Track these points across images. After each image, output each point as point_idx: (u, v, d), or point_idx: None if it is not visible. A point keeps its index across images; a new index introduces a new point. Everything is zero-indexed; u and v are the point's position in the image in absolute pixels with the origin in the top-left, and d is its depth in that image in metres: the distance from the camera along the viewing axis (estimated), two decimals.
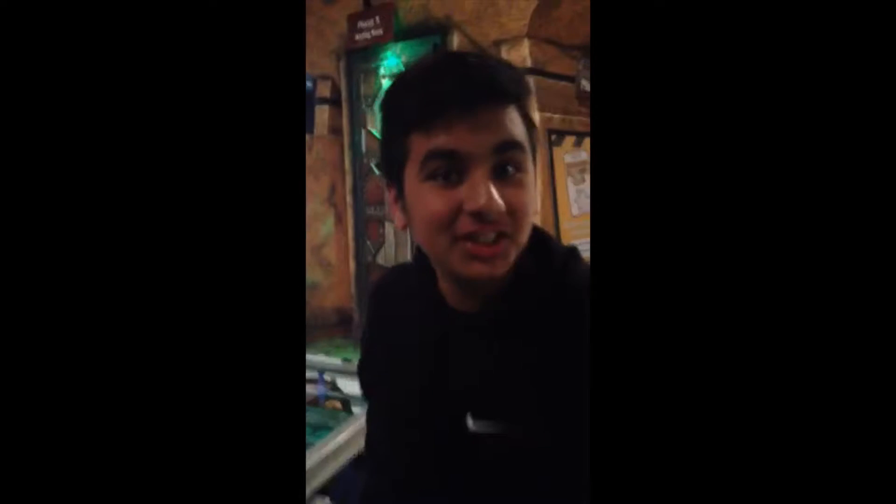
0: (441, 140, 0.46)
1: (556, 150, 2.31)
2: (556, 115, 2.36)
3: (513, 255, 0.49)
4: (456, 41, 2.71)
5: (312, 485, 1.13)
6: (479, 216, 0.46)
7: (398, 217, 0.53)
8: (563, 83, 2.49)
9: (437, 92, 0.46)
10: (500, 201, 0.46)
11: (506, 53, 2.48)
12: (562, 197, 2.27)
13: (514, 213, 0.47)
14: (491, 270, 0.48)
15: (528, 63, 2.40)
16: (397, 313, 0.62)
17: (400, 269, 0.68)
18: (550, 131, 2.33)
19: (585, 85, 2.21)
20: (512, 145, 0.48)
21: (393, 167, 0.51)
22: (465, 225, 0.47)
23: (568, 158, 2.30)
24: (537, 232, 0.54)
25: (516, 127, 0.49)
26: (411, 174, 0.49)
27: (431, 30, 2.76)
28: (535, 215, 0.52)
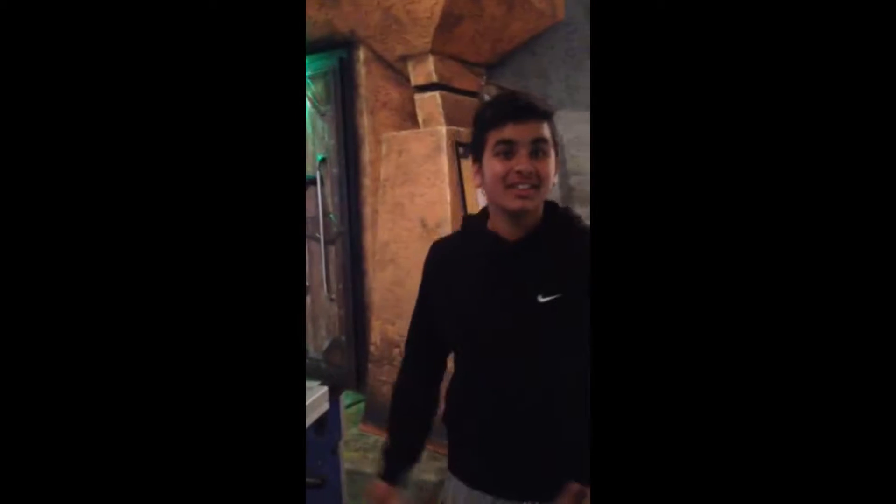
0: (505, 134, 0.85)
1: (464, 162, 2.39)
2: (463, 129, 2.44)
3: (538, 198, 0.86)
4: (362, 56, 2.72)
5: None
6: (521, 174, 0.84)
7: (477, 180, 0.92)
8: (469, 98, 2.58)
9: (504, 111, 0.86)
10: (532, 168, 0.84)
11: (412, 69, 2.53)
12: (472, 206, 2.34)
13: (540, 174, 0.85)
14: (525, 204, 0.85)
15: (434, 78, 2.46)
16: (454, 263, 0.97)
17: (446, 239, 1.04)
18: (458, 144, 2.40)
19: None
20: (541, 140, 0.85)
21: (478, 151, 0.90)
22: (513, 178, 0.84)
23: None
24: (550, 202, 0.94)
25: (545, 130, 0.86)
26: (487, 153, 0.87)
27: (337, 44, 2.76)
28: (554, 184, 0.90)
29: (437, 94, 2.47)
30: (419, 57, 2.48)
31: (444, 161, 2.35)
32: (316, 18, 2.67)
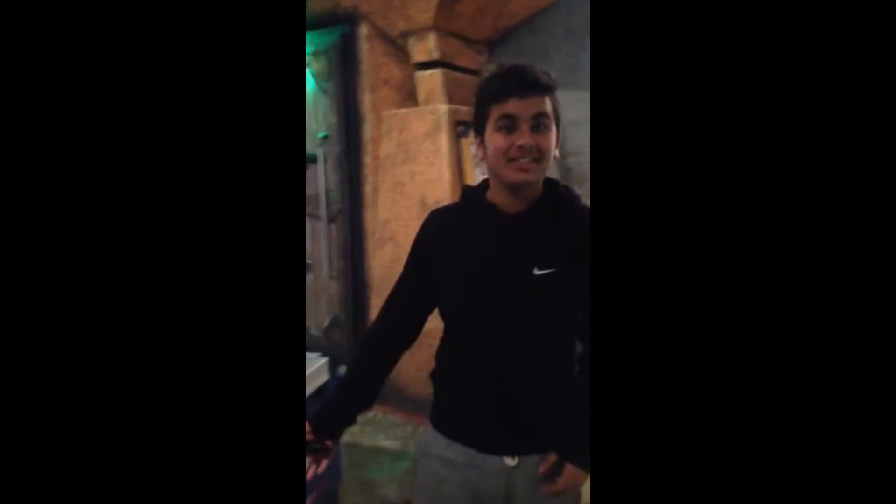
0: (507, 108, 0.86)
1: (463, 141, 2.39)
2: (463, 107, 2.44)
3: (539, 171, 0.88)
4: (364, 31, 2.70)
5: None
6: (522, 148, 0.86)
7: (479, 153, 0.95)
8: (469, 76, 2.56)
9: (508, 84, 0.87)
10: (533, 142, 0.86)
11: (413, 45, 2.51)
12: None
13: (541, 148, 0.87)
14: (527, 177, 0.87)
15: (436, 55, 2.45)
16: (451, 231, 0.98)
17: (444, 208, 1.04)
18: (457, 122, 2.40)
19: None
20: (543, 115, 0.87)
21: (480, 125, 0.92)
22: (514, 152, 0.86)
23: (474, 149, 2.38)
24: (551, 179, 0.96)
25: (546, 105, 0.87)
26: (490, 127, 0.89)
27: (339, 19, 2.74)
28: (556, 158, 0.92)
29: (438, 72, 2.46)
30: (420, 33, 2.46)
31: (443, 140, 2.35)
32: None
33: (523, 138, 0.84)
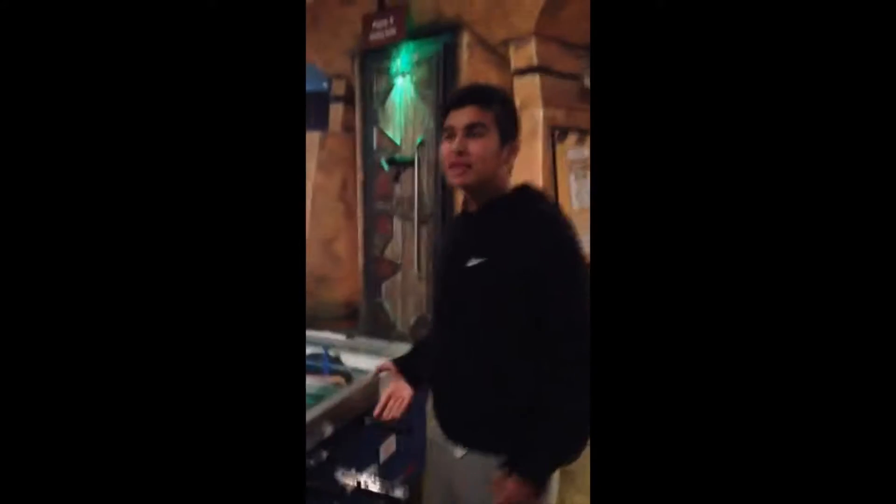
0: (448, 121, 1.01)
1: (559, 147, 2.36)
2: (560, 112, 2.41)
3: (471, 175, 0.99)
4: (466, 40, 2.78)
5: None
6: (455, 153, 0.99)
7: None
8: (567, 81, 2.54)
9: (451, 100, 1.04)
10: (463, 147, 0.99)
11: (514, 52, 2.54)
12: (563, 191, 2.31)
13: (472, 153, 0.99)
14: (460, 180, 1.00)
15: (535, 61, 2.46)
16: (442, 238, 1.17)
17: (452, 217, 1.26)
18: (554, 128, 2.38)
19: (589, 83, 2.26)
20: (475, 124, 0.99)
21: (441, 135, 1.06)
22: (451, 158, 1.00)
23: (571, 155, 2.34)
24: (524, 185, 1.06)
25: (478, 115, 0.99)
26: (442, 137, 1.04)
27: (442, 29, 2.84)
28: (508, 165, 1.04)
29: (536, 77, 2.46)
30: (521, 40, 2.48)
31: (538, 145, 2.34)
32: (423, 4, 2.77)
33: (455, 144, 0.97)
